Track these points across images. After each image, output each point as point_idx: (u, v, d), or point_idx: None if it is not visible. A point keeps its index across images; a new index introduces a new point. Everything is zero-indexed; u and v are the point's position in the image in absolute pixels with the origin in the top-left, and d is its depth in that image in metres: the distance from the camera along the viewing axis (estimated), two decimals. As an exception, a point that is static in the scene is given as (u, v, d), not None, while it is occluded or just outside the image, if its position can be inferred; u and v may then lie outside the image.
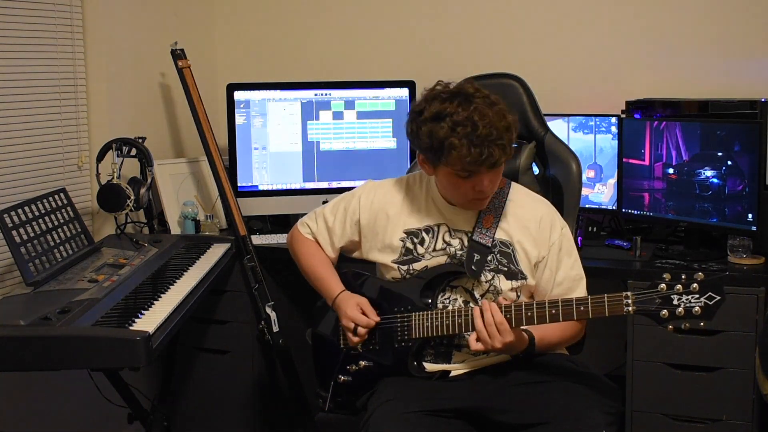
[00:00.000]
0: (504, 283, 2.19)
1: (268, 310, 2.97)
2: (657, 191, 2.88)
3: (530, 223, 2.22)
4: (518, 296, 2.20)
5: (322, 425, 3.24)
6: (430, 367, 2.20)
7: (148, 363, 2.05)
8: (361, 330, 2.19)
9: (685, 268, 2.67)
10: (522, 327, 2.08)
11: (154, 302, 2.36)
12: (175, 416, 3.20)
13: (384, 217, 2.28)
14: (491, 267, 2.18)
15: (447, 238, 2.23)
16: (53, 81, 2.92)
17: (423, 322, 2.16)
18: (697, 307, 1.91)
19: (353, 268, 2.38)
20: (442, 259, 2.22)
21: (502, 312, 2.03)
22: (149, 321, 2.20)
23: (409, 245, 2.24)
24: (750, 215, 2.66)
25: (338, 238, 2.36)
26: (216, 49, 3.73)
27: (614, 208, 3.03)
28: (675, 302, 1.93)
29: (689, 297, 1.92)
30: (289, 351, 3.03)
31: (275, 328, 2.97)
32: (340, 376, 2.28)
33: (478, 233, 2.19)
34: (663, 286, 1.94)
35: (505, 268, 2.19)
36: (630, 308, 1.96)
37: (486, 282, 2.19)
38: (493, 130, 2.03)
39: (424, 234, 2.24)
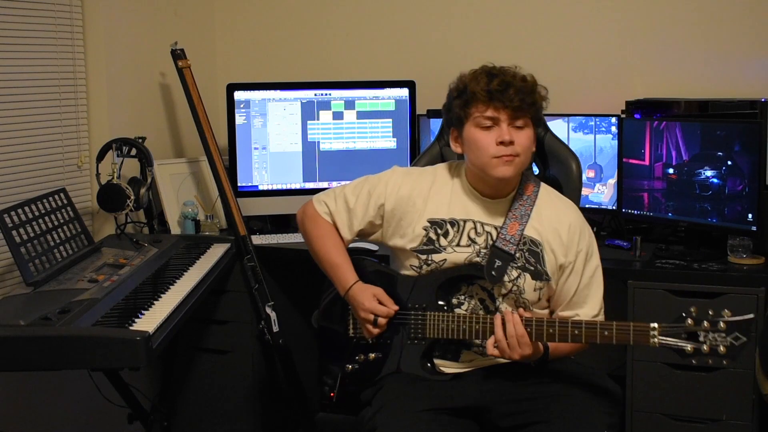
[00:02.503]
0: (528, 283, 2.15)
1: (268, 310, 2.97)
2: (657, 191, 2.88)
3: (561, 227, 2.18)
4: (539, 298, 2.18)
5: (322, 425, 3.25)
6: (438, 363, 2.19)
7: (148, 363, 2.05)
8: (381, 321, 2.16)
9: (685, 268, 2.67)
10: None
11: (154, 302, 2.36)
12: (175, 416, 3.19)
13: (410, 205, 2.22)
14: (518, 264, 2.15)
15: (473, 235, 2.18)
16: (53, 81, 2.92)
17: (438, 323, 2.14)
18: (722, 347, 1.89)
19: (364, 257, 2.35)
20: (464, 255, 2.17)
21: (523, 324, 2.01)
22: (149, 321, 2.20)
23: (432, 235, 2.19)
24: (750, 215, 2.66)
25: (359, 221, 2.28)
26: (216, 49, 3.73)
27: (614, 208, 3.03)
28: (701, 339, 1.91)
29: (715, 335, 1.90)
30: (289, 351, 3.03)
31: (275, 328, 2.97)
32: (348, 365, 2.25)
33: (502, 240, 2.15)
34: (690, 321, 1.92)
35: (532, 268, 2.15)
36: (656, 339, 1.94)
37: (510, 282, 2.15)
38: (513, 77, 2.14)
39: (448, 226, 2.19)
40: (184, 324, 2.40)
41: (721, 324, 1.90)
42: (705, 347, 1.91)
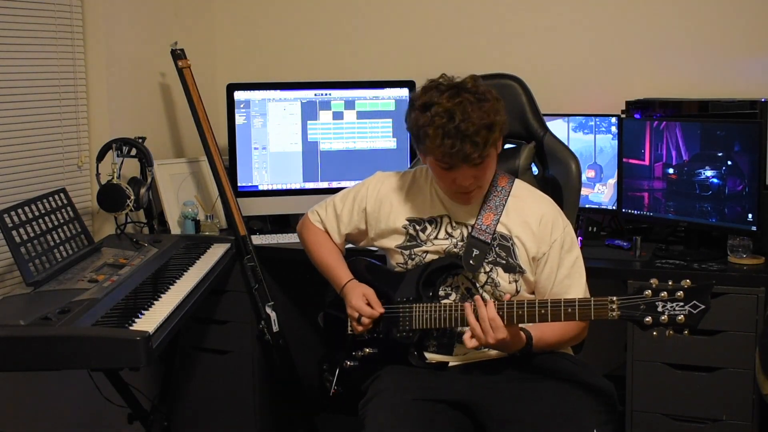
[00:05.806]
0: (502, 276, 2.21)
1: (268, 310, 2.97)
2: (657, 191, 2.88)
3: (531, 219, 2.23)
4: (518, 290, 2.22)
5: (322, 425, 3.25)
6: (431, 357, 2.24)
7: (148, 363, 2.05)
8: (364, 320, 2.24)
9: (685, 268, 2.67)
10: (520, 325, 2.08)
11: (154, 302, 2.36)
12: (175, 416, 3.20)
13: (388, 206, 2.33)
14: (489, 260, 2.21)
15: (449, 230, 2.26)
16: (53, 81, 2.92)
17: (423, 314, 2.19)
18: (681, 316, 1.89)
19: (363, 257, 2.43)
20: (442, 247, 2.25)
21: (496, 308, 2.04)
22: (149, 321, 2.20)
23: (412, 232, 2.29)
24: (750, 215, 2.66)
25: (345, 225, 2.40)
26: (216, 49, 3.73)
27: (614, 208, 3.03)
28: (659, 309, 1.91)
29: (674, 305, 1.90)
30: (288, 351, 3.03)
31: (275, 328, 2.98)
32: (346, 362, 2.32)
33: (478, 230, 2.21)
34: (648, 292, 1.92)
35: (504, 262, 2.21)
36: (614, 313, 1.95)
37: (484, 274, 2.21)
38: (469, 126, 2.04)
39: (426, 224, 2.28)
40: (184, 324, 2.40)
41: (679, 293, 1.90)
42: (663, 317, 1.91)
